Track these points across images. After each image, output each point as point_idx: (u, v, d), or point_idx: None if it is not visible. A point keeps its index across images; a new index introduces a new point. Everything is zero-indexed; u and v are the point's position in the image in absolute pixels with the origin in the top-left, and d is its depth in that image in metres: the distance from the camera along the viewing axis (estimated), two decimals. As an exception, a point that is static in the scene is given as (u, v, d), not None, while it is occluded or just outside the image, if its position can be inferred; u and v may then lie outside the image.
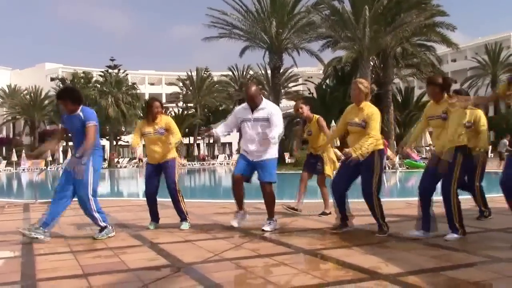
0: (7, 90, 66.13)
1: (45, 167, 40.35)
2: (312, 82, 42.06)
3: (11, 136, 67.88)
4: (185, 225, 5.95)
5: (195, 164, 47.21)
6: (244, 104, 5.77)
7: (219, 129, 5.90)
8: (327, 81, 38.28)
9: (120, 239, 5.30)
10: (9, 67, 76.34)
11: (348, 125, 5.24)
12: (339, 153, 6.65)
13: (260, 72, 50.75)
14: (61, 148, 46.01)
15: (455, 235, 4.71)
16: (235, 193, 5.67)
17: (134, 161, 48.25)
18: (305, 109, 6.92)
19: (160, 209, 6.16)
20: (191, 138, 60.52)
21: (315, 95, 36.21)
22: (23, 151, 48.84)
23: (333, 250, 4.45)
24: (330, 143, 6.36)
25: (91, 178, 5.25)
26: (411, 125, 37.09)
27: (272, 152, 5.64)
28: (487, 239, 4.46)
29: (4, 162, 47.12)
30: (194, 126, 57.86)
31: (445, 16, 30.73)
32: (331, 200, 5.89)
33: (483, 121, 5.84)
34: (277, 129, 5.42)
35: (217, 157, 52.56)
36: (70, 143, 5.59)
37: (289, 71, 50.81)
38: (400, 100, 39.18)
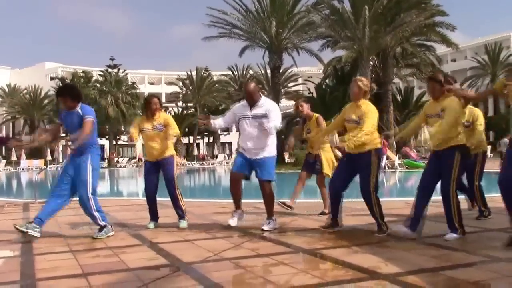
0: (6, 90, 66.15)
1: (45, 167, 40.32)
2: (312, 82, 42.06)
3: (10, 135, 67.86)
4: (183, 223, 5.96)
5: (194, 163, 47.22)
6: (243, 101, 5.77)
7: (217, 122, 5.87)
8: (327, 81, 38.28)
9: (120, 238, 5.30)
10: (9, 66, 76.36)
11: (345, 122, 5.26)
12: (339, 153, 6.65)
13: (260, 71, 50.76)
14: (60, 148, 45.99)
15: (455, 235, 4.71)
16: (233, 192, 5.66)
17: (134, 160, 48.32)
18: (305, 107, 6.93)
19: (160, 209, 6.16)
20: (191, 138, 60.52)
21: (314, 95, 36.20)
22: (23, 150, 48.88)
23: (333, 249, 4.45)
24: (325, 136, 6.15)
25: (90, 176, 5.26)
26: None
27: (271, 150, 5.64)
28: (487, 239, 4.47)
29: (4, 161, 47.10)
30: (194, 126, 57.83)
31: (445, 16, 30.77)
32: (330, 200, 5.89)
33: (480, 121, 5.86)
34: (274, 122, 5.44)
35: (217, 157, 52.59)
36: (70, 143, 5.57)
37: (289, 70, 50.80)
38: (399, 100, 39.22)
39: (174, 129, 5.96)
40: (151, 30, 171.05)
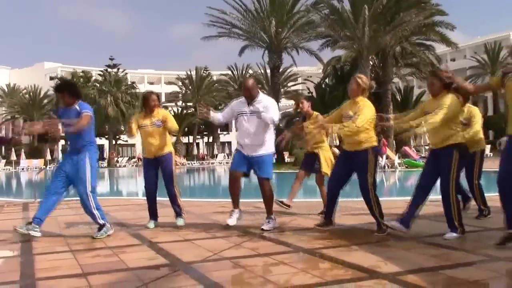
0: (6, 89, 66.12)
1: (44, 167, 40.32)
2: (312, 82, 42.06)
3: (10, 135, 67.83)
4: (180, 221, 5.98)
5: (194, 163, 47.21)
6: (241, 98, 5.77)
7: (215, 115, 5.83)
8: (327, 80, 38.25)
9: (119, 238, 5.30)
10: (8, 66, 76.32)
11: (343, 118, 5.27)
12: (337, 151, 6.66)
13: (259, 71, 50.71)
14: (60, 148, 46.00)
15: (454, 234, 4.71)
16: (231, 190, 5.65)
17: (134, 160, 48.33)
18: (306, 105, 6.97)
19: (159, 208, 6.16)
20: (190, 137, 60.51)
21: (314, 94, 36.20)
22: (22, 149, 48.90)
23: (332, 249, 4.45)
24: (319, 130, 5.98)
25: (88, 174, 5.26)
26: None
27: (268, 147, 5.63)
28: (486, 238, 4.47)
29: (3, 161, 47.08)
30: (194, 126, 57.82)
31: (444, 15, 30.72)
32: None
33: (477, 118, 5.88)
34: (273, 115, 5.45)
35: (216, 156, 52.56)
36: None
37: (289, 70, 50.79)
38: (399, 100, 39.19)
39: (173, 125, 5.97)
40: (151, 30, 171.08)
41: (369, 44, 28.93)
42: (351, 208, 7.07)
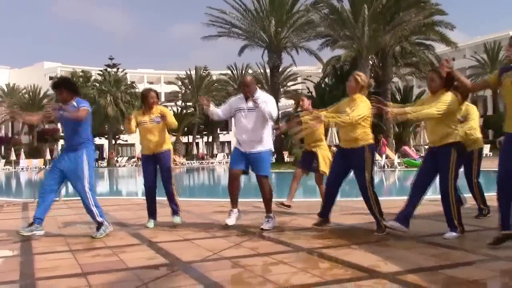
0: (5, 89, 66.04)
1: (44, 166, 40.31)
2: (311, 81, 42.02)
3: (9, 135, 67.82)
4: (177, 219, 6.00)
5: (194, 162, 47.20)
6: (239, 95, 5.78)
7: (215, 109, 5.81)
8: (326, 80, 38.24)
9: (119, 238, 5.30)
10: (8, 66, 76.25)
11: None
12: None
13: (259, 71, 50.74)
14: (59, 147, 45.99)
15: (454, 234, 4.71)
16: (231, 189, 5.64)
17: (133, 160, 48.32)
18: (306, 102, 7.01)
19: (159, 208, 6.16)
20: (190, 137, 60.50)
21: (314, 94, 36.20)
22: (22, 149, 48.88)
23: (332, 248, 4.45)
24: (315, 119, 5.95)
25: (86, 171, 5.27)
26: (410, 124, 37.12)
27: (266, 144, 5.63)
28: (486, 237, 4.46)
29: (3, 161, 47.07)
30: (193, 125, 57.82)
31: (444, 15, 30.72)
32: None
33: (474, 116, 5.89)
34: (271, 109, 5.46)
35: (216, 156, 52.54)
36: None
37: (288, 70, 50.80)
38: (399, 99, 39.08)
39: (172, 119, 5.99)
40: (151, 30, 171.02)
41: (368, 44, 28.94)
42: (351, 207, 7.08)
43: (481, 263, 3.74)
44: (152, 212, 6.07)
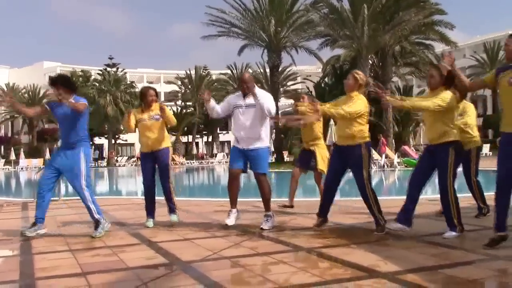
0: (5, 89, 65.92)
1: (44, 166, 40.26)
2: (311, 81, 42.05)
3: (9, 134, 67.80)
4: (174, 217, 6.02)
5: (193, 162, 47.18)
6: (237, 92, 5.79)
7: (215, 106, 5.78)
8: (326, 79, 38.29)
9: (119, 237, 5.30)
10: (8, 66, 76.19)
11: None
12: None
13: (258, 70, 50.69)
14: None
15: (454, 233, 4.71)
16: (231, 189, 5.64)
17: (133, 159, 48.29)
18: (306, 99, 7.05)
19: (159, 207, 6.16)
20: (190, 137, 60.47)
21: (313, 93, 36.20)
22: (21, 149, 48.85)
23: (332, 248, 4.45)
24: (312, 108, 5.60)
25: (83, 169, 5.28)
26: (409, 124, 37.16)
27: (264, 141, 5.63)
28: (486, 237, 4.46)
29: (3, 160, 47.06)
30: (193, 125, 57.80)
31: (444, 14, 30.73)
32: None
33: (470, 113, 5.89)
34: (269, 105, 5.46)
35: (216, 156, 52.52)
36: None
37: (288, 69, 50.77)
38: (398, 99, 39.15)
39: (172, 116, 6.00)
40: (151, 30, 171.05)
41: (368, 43, 28.94)
42: (351, 207, 7.08)
43: (481, 263, 3.74)
44: (150, 210, 6.06)
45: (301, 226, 5.76)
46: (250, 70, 57.17)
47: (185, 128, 57.29)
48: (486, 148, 36.28)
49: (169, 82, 67.55)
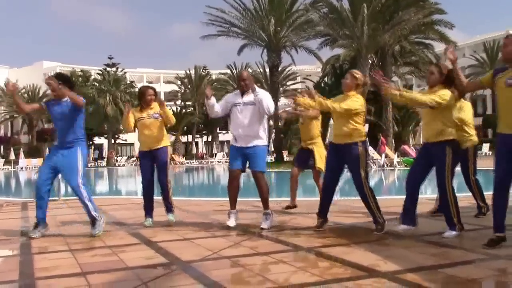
0: (4, 89, 65.94)
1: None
2: (311, 80, 42.06)
3: (9, 134, 67.77)
4: (171, 216, 6.03)
5: (193, 162, 47.18)
6: (236, 91, 5.80)
7: (215, 104, 5.75)
8: (326, 79, 38.29)
9: (119, 237, 5.30)
10: (7, 66, 76.12)
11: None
12: None
13: (258, 70, 50.72)
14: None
15: (454, 232, 4.71)
16: (231, 189, 5.64)
17: (132, 159, 48.28)
18: (306, 97, 7.01)
19: (158, 207, 6.16)
20: (189, 137, 60.45)
21: (313, 93, 36.14)
22: (21, 149, 48.84)
23: (332, 247, 4.45)
24: (308, 95, 5.67)
25: (80, 167, 5.28)
26: (409, 123, 37.15)
27: (262, 139, 5.63)
28: (485, 236, 4.46)
29: (2, 160, 47.06)
30: (193, 125, 57.78)
31: (443, 14, 30.73)
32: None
33: (466, 111, 5.87)
34: (268, 104, 5.48)
35: (215, 155, 52.52)
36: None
37: (288, 69, 50.80)
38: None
39: (171, 114, 6.00)
40: (151, 30, 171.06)
41: (368, 43, 28.94)
42: (350, 206, 7.08)
43: (481, 262, 3.74)
44: (149, 210, 6.06)
45: (301, 226, 5.75)
46: (249, 70, 57.11)
47: (185, 128, 57.30)
48: (486, 148, 36.32)
49: (168, 82, 67.55)
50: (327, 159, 5.60)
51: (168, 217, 6.06)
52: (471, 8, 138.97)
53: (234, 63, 60.28)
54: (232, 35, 35.20)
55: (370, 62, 33.36)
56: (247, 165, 5.65)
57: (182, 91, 61.70)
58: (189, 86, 60.49)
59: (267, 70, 40.07)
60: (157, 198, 6.15)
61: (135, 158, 46.74)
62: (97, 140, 57.82)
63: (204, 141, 67.27)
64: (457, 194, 4.81)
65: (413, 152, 26.13)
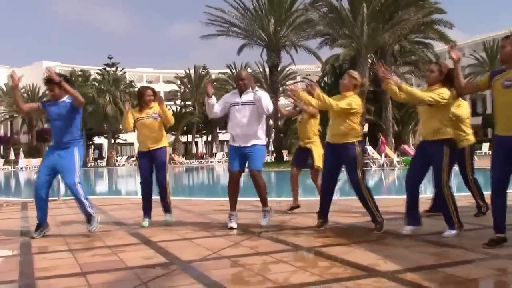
0: (4, 89, 65.92)
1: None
2: (310, 80, 42.01)
3: (8, 134, 67.74)
4: (169, 216, 6.04)
5: (193, 162, 47.17)
6: (234, 90, 5.80)
7: (215, 103, 5.74)
8: (325, 78, 38.26)
9: (118, 237, 5.30)
10: (7, 65, 76.06)
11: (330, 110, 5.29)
12: None
13: (258, 69, 50.71)
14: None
15: (453, 232, 4.71)
16: (231, 190, 5.64)
17: (132, 159, 48.27)
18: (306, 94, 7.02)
19: (157, 207, 6.16)
20: (189, 136, 60.43)
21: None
22: (21, 149, 48.82)
23: (332, 247, 4.45)
24: (308, 87, 5.56)
25: (78, 166, 5.30)
26: (409, 123, 37.16)
27: (260, 138, 5.63)
28: (485, 236, 4.46)
29: (2, 160, 47.03)
30: (192, 124, 57.75)
31: (443, 13, 30.71)
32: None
33: (462, 108, 5.88)
34: (267, 103, 5.47)
35: (215, 155, 52.52)
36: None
37: (287, 68, 50.74)
38: (398, 98, 39.13)
39: (170, 113, 6.01)
40: (150, 30, 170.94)
41: (367, 43, 28.92)
42: (350, 206, 7.08)
43: (481, 261, 3.74)
44: (147, 210, 6.06)
45: (300, 226, 5.76)
46: (249, 69, 57.14)
47: (185, 127, 57.25)
48: (485, 147, 36.32)
49: (168, 82, 67.51)
50: (324, 159, 5.60)
51: (166, 218, 6.06)
52: (470, 8, 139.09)
53: (234, 62, 60.28)
54: (232, 35, 35.20)
55: (370, 61, 33.35)
56: (246, 165, 5.66)
57: (182, 90, 61.67)
58: (188, 86, 60.46)
59: (267, 69, 40.06)
60: (156, 198, 6.16)
61: (135, 158, 46.77)
62: (97, 140, 57.79)
63: (204, 141, 67.25)
64: (456, 194, 4.82)
65: (413, 152, 26.11)
